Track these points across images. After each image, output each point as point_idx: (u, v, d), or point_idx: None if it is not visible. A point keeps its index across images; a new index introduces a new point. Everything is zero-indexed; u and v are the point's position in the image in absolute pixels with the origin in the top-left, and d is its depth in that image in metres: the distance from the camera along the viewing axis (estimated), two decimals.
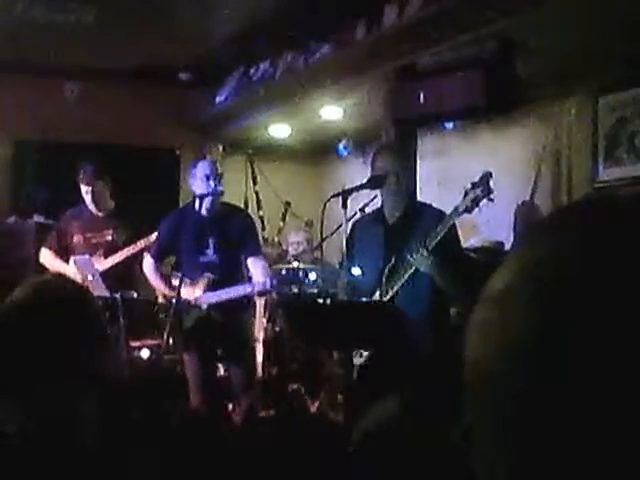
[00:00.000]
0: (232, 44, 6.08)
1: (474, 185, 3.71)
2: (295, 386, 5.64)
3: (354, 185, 4.59)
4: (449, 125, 5.56)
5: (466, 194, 3.71)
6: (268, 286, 4.72)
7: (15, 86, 6.87)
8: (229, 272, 4.81)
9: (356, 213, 5.20)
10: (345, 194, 4.39)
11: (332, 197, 4.48)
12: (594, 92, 5.12)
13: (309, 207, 5.81)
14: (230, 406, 4.97)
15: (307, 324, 4.03)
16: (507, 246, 5.29)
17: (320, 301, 4.47)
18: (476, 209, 3.72)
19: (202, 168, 4.85)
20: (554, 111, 5.37)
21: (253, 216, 5.35)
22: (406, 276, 3.90)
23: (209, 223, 4.83)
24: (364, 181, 4.54)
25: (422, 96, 4.61)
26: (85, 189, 5.39)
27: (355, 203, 4.96)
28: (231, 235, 4.83)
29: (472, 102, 4.46)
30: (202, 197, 4.79)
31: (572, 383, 0.47)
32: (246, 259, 4.88)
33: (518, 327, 0.50)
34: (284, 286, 5.25)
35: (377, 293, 4.08)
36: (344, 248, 4.34)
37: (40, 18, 5.57)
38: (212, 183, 4.77)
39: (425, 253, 3.75)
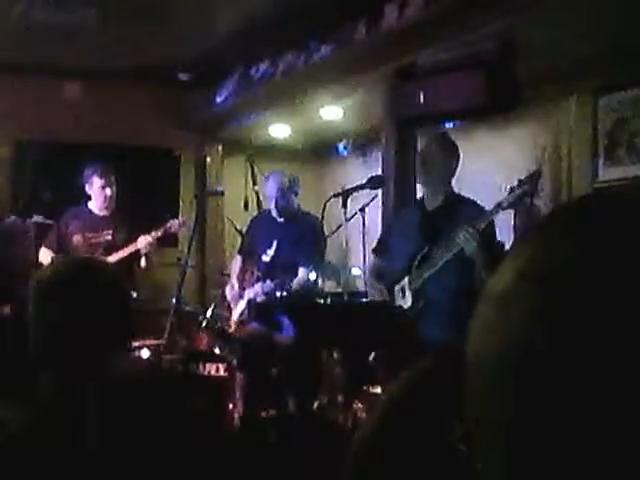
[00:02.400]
0: (232, 44, 6.07)
1: (521, 182, 3.67)
2: (296, 385, 5.63)
3: (354, 185, 4.60)
4: (449, 125, 5.55)
5: (512, 190, 3.68)
6: (261, 291, 5.02)
7: (15, 86, 6.86)
8: (279, 273, 5.03)
9: (356, 213, 5.21)
10: (345, 194, 4.39)
11: (332, 197, 4.48)
12: (594, 92, 5.12)
13: (309, 207, 5.81)
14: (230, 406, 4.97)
15: (307, 324, 4.03)
16: (507, 247, 5.28)
17: (320, 301, 4.48)
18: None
19: (268, 187, 5.27)
20: (554, 111, 5.37)
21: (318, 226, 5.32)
22: (441, 263, 3.83)
23: (277, 227, 5.23)
24: (364, 181, 4.54)
25: (422, 96, 4.60)
26: (102, 182, 5.43)
27: (355, 203, 4.97)
28: (290, 241, 5.14)
29: (472, 102, 4.45)
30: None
31: (573, 385, 0.47)
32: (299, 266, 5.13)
33: (517, 328, 0.50)
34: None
35: (405, 280, 4.01)
36: (382, 235, 4.42)
37: (40, 18, 5.56)
38: (275, 202, 5.20)
39: (474, 233, 3.66)
